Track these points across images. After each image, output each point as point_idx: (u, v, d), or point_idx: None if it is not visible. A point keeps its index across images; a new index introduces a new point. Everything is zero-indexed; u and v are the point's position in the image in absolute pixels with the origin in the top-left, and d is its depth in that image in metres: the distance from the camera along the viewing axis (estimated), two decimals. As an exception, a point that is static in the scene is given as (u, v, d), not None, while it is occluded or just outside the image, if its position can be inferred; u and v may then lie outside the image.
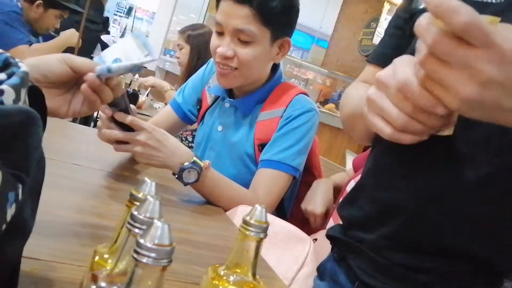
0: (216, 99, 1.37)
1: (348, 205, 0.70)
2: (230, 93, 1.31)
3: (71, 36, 2.67)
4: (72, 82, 0.68)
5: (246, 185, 1.15)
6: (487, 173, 0.51)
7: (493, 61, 0.38)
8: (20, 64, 0.38)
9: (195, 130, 1.48)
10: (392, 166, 0.60)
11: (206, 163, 1.04)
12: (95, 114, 3.69)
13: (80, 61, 0.67)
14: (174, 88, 2.77)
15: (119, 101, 0.93)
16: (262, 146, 1.22)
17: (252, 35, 1.14)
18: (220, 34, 1.18)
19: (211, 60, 1.46)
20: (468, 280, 0.54)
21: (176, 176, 1.01)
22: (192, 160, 1.01)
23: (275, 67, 1.30)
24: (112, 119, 0.96)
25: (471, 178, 0.51)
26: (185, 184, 1.02)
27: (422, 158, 0.56)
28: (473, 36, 0.38)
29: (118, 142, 0.99)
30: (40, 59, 0.64)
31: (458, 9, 0.37)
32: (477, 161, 0.51)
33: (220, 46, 1.16)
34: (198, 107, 1.42)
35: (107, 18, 5.74)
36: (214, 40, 1.20)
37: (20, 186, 0.35)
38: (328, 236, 0.74)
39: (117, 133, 0.97)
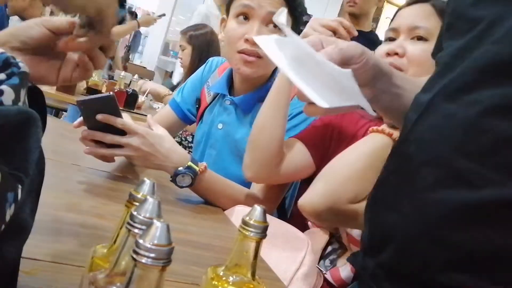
0: (214, 97, 1.36)
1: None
2: (230, 90, 1.31)
3: None
4: (54, 44, 0.64)
5: (247, 183, 1.15)
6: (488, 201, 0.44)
7: None
8: (20, 64, 0.38)
9: (195, 130, 1.48)
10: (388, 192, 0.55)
11: (202, 166, 1.03)
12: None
13: (58, 21, 0.63)
14: (171, 93, 2.77)
15: (109, 104, 0.93)
16: None
17: None
18: (245, 20, 1.16)
19: (210, 59, 1.46)
20: None
21: (171, 179, 1.01)
22: (186, 165, 1.01)
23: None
24: (93, 126, 0.95)
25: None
26: (180, 187, 1.02)
27: (414, 183, 0.50)
28: None
29: (109, 146, 0.97)
30: (19, 27, 0.61)
31: None
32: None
33: (247, 33, 1.14)
34: (197, 106, 1.41)
35: None
36: (235, 29, 1.17)
37: (19, 186, 0.34)
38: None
39: (108, 137, 0.95)
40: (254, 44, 1.13)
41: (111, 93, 0.95)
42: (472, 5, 0.52)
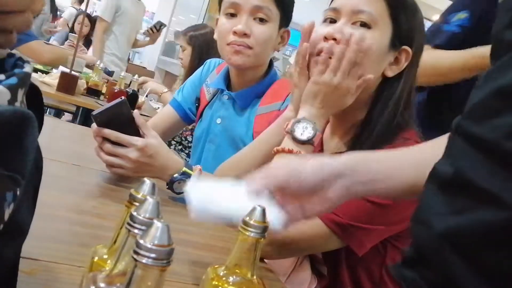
0: (214, 95, 1.37)
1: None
2: (228, 86, 1.32)
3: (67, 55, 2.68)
4: None
5: None
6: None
7: None
8: (25, 64, 0.38)
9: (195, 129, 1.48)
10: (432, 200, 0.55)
11: (197, 170, 1.04)
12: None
13: None
14: (168, 90, 2.77)
15: (122, 109, 0.95)
16: None
17: (269, 13, 1.20)
18: (233, 16, 1.21)
19: (208, 61, 1.47)
20: None
21: (167, 187, 1.01)
22: (181, 170, 1.01)
23: (270, 63, 1.32)
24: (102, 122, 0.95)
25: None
26: (177, 194, 1.02)
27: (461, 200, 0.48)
28: None
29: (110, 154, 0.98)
30: None
31: None
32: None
33: (235, 26, 1.19)
34: (197, 104, 1.42)
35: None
36: (224, 23, 1.22)
37: (16, 187, 0.34)
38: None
39: (108, 147, 0.96)
40: (242, 35, 1.18)
41: (123, 97, 0.97)
42: (507, 28, 0.49)
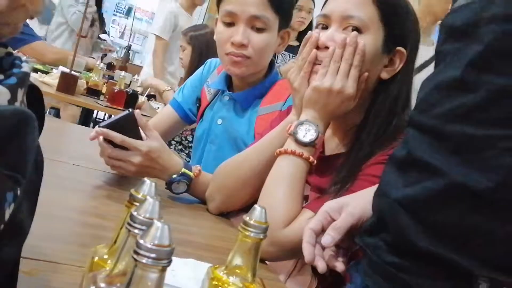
0: (215, 95, 1.37)
1: None
2: (229, 86, 1.32)
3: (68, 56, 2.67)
4: None
5: None
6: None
7: None
8: (23, 64, 0.38)
9: (195, 129, 1.48)
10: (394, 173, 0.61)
11: (196, 170, 1.04)
12: (94, 114, 3.70)
13: None
14: (170, 89, 2.77)
15: (129, 121, 0.96)
16: None
17: (267, 21, 1.18)
18: (230, 25, 1.19)
19: (208, 61, 1.47)
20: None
21: (166, 187, 1.02)
22: (180, 171, 1.01)
23: (271, 63, 1.31)
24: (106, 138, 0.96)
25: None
26: (176, 194, 1.02)
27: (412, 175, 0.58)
28: None
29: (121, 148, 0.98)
30: None
31: None
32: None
33: (233, 36, 1.17)
34: (198, 105, 1.42)
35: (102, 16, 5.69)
36: (222, 32, 1.21)
37: (17, 187, 0.34)
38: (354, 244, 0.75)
39: (111, 151, 0.96)
40: (240, 46, 1.17)
41: (130, 109, 0.98)
42: (442, 44, 0.58)
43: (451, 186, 0.53)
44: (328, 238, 0.67)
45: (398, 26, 0.89)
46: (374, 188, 0.71)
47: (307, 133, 0.87)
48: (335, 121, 0.96)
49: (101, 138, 0.98)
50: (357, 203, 0.71)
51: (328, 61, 0.85)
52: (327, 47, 0.87)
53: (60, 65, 2.69)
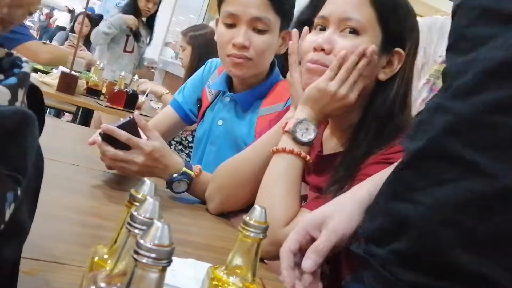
0: (216, 96, 1.37)
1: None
2: (230, 87, 1.32)
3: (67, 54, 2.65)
4: None
5: None
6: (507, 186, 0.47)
7: None
8: (23, 64, 0.38)
9: (195, 130, 1.47)
10: (410, 177, 0.57)
11: (197, 170, 1.04)
12: (94, 115, 3.69)
13: None
14: (168, 92, 2.77)
15: (129, 128, 0.96)
16: None
17: (269, 23, 1.17)
18: (231, 26, 1.19)
19: (209, 61, 1.46)
20: None
21: (166, 186, 1.02)
22: (181, 171, 1.01)
23: (272, 64, 1.31)
24: (107, 139, 0.96)
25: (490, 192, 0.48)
26: (176, 193, 1.02)
27: (440, 172, 0.52)
28: None
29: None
30: None
31: None
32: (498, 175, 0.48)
33: (234, 37, 1.17)
34: (198, 105, 1.42)
35: (101, 16, 5.70)
36: (223, 34, 1.20)
37: (17, 187, 0.34)
38: (351, 252, 0.72)
39: (114, 152, 0.96)
40: (241, 48, 1.17)
41: (131, 116, 0.98)
42: (469, 26, 0.54)
43: (501, 189, 0.46)
44: (310, 262, 0.62)
45: (396, 27, 0.89)
46: (355, 195, 0.68)
47: (305, 133, 0.87)
48: (333, 120, 0.97)
49: (99, 139, 0.98)
50: (339, 218, 0.65)
51: (336, 65, 0.85)
52: (323, 49, 0.87)
53: (54, 66, 2.69)
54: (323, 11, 0.91)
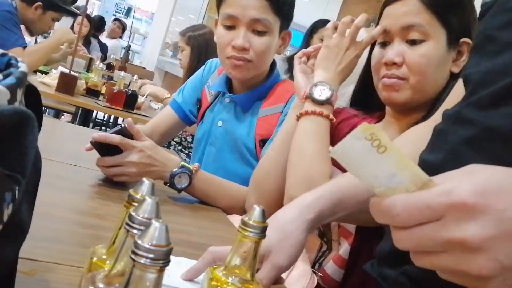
0: (216, 97, 1.37)
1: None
2: (230, 88, 1.32)
3: (65, 33, 2.61)
4: None
5: (247, 180, 1.15)
6: None
7: (461, 219, 0.35)
8: (20, 64, 0.38)
9: (195, 131, 1.47)
10: None
11: (195, 166, 1.04)
12: (93, 115, 3.69)
13: None
14: (169, 96, 2.77)
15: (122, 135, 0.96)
16: (263, 141, 1.23)
17: (268, 24, 1.18)
18: (231, 28, 1.19)
19: (209, 61, 1.46)
20: None
21: (168, 184, 1.01)
22: (180, 165, 1.01)
23: (272, 65, 1.31)
24: (100, 149, 0.97)
25: None
26: (179, 190, 1.02)
27: None
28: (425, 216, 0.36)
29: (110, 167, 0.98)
30: None
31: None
32: None
33: (234, 39, 1.17)
34: (198, 106, 1.42)
35: (102, 18, 5.69)
36: (223, 35, 1.20)
37: (16, 187, 0.34)
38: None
39: (110, 159, 0.97)
40: (241, 50, 1.17)
41: (123, 125, 0.98)
42: (500, 29, 0.52)
43: None
44: None
45: (458, 23, 0.91)
46: (302, 216, 0.67)
47: (323, 92, 0.95)
48: (399, 115, 0.97)
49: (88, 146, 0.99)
50: (281, 252, 0.64)
51: (395, 81, 0.91)
52: (395, 63, 0.90)
53: (47, 64, 2.67)
54: (384, 23, 0.93)
